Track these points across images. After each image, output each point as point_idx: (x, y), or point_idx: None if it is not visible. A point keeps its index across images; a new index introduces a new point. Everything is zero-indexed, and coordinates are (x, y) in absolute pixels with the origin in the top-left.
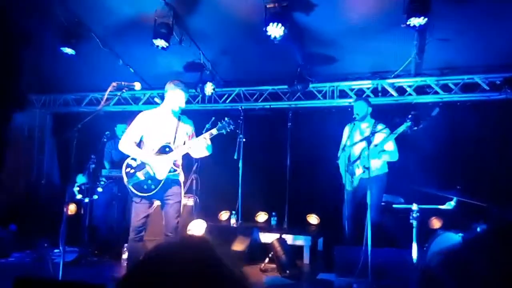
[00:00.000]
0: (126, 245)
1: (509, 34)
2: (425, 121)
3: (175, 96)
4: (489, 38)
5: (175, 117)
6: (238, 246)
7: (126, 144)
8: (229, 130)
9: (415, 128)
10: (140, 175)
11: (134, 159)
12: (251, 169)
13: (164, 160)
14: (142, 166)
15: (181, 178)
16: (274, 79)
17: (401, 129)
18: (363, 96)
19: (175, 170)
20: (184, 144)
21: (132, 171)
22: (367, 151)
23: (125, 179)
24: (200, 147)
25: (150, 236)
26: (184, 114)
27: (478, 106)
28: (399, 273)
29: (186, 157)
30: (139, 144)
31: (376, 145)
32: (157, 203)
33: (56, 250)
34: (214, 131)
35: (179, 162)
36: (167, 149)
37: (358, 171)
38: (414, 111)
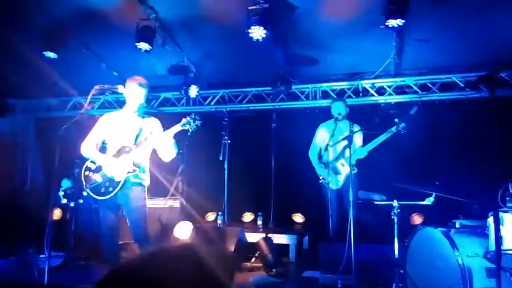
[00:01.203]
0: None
1: (486, 33)
2: (406, 121)
3: (132, 92)
4: (466, 37)
5: (139, 117)
6: (225, 246)
7: (85, 146)
8: (194, 126)
9: (403, 131)
10: (98, 178)
11: (93, 162)
12: (236, 170)
13: (123, 161)
14: (99, 168)
15: (145, 181)
16: (258, 80)
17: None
18: (344, 96)
19: (134, 171)
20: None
21: (91, 174)
22: (349, 150)
23: (84, 183)
24: (165, 146)
25: (126, 240)
26: (168, 116)
27: (456, 104)
28: (382, 268)
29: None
30: (104, 148)
31: (361, 146)
32: None
33: (41, 256)
34: (177, 127)
35: (144, 163)
36: (127, 149)
37: (344, 170)
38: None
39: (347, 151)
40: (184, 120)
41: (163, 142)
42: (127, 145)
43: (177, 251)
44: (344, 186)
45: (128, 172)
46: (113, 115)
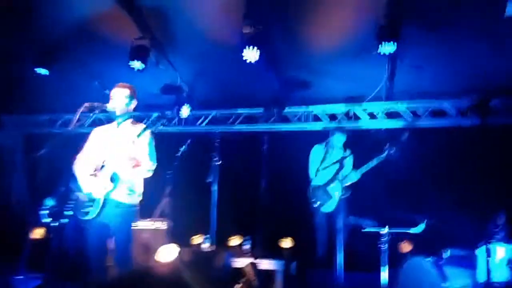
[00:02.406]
0: None
1: (478, 60)
2: (398, 147)
3: (114, 100)
4: (458, 64)
5: (123, 126)
6: (211, 271)
7: (75, 164)
8: (160, 127)
9: (394, 155)
10: (83, 197)
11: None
12: (225, 192)
13: (101, 177)
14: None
15: (132, 199)
16: (251, 102)
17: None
18: (336, 120)
19: (109, 186)
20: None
21: (77, 193)
22: (340, 174)
23: (71, 203)
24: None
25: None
26: (159, 135)
27: (447, 131)
28: None
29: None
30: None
31: (353, 169)
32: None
33: (19, 277)
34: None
35: (125, 178)
36: (104, 163)
37: (337, 194)
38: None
39: (339, 175)
40: (147, 122)
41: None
42: (106, 158)
43: (158, 274)
44: (336, 210)
45: (105, 188)
46: (102, 129)
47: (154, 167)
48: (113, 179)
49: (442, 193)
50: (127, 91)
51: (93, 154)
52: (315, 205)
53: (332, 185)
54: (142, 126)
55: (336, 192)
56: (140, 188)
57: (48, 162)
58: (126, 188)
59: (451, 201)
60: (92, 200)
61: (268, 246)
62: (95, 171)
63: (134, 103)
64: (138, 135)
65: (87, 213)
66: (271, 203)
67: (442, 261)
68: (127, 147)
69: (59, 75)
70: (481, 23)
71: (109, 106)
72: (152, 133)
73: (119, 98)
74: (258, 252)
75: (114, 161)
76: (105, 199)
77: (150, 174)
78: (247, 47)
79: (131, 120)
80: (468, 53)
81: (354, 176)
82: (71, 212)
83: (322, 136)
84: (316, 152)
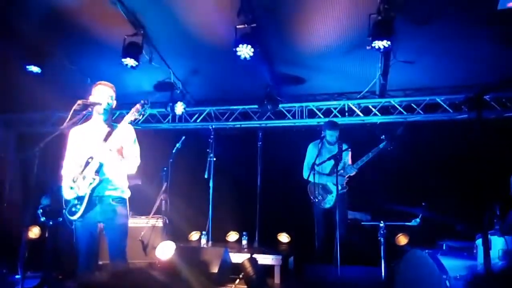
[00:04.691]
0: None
1: (470, 55)
2: (394, 141)
3: (95, 95)
4: (450, 59)
5: (106, 124)
6: (209, 267)
7: (63, 167)
8: (143, 112)
9: (390, 147)
10: (71, 196)
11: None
12: (221, 188)
13: (86, 173)
14: (72, 187)
15: (124, 194)
16: (245, 98)
17: (377, 149)
18: (331, 116)
19: (94, 180)
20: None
21: (66, 194)
22: (337, 169)
23: (63, 206)
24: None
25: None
26: (156, 133)
27: (440, 125)
28: None
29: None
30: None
31: (350, 164)
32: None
33: (17, 276)
34: (129, 117)
35: (111, 172)
36: (90, 160)
37: (335, 188)
38: (385, 131)
39: (335, 170)
40: (133, 109)
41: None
42: (90, 155)
43: (150, 272)
44: (334, 205)
45: (90, 184)
46: (81, 128)
47: (139, 160)
48: (98, 171)
49: (439, 185)
50: (111, 91)
51: (77, 154)
52: (314, 201)
53: (329, 180)
54: (125, 121)
55: (333, 187)
56: (126, 183)
57: (41, 161)
58: (113, 183)
59: (447, 193)
60: (78, 198)
61: (265, 241)
62: (83, 168)
63: (115, 103)
64: (124, 130)
65: (74, 212)
66: (267, 198)
67: (440, 253)
68: (113, 142)
69: (50, 73)
70: (474, 17)
71: (100, 106)
72: (137, 122)
73: (104, 96)
74: (255, 247)
75: (100, 156)
76: (93, 195)
77: (136, 166)
78: (241, 44)
79: (112, 116)
80: (461, 46)
81: (351, 170)
82: (64, 214)
83: (316, 132)
84: (311, 150)
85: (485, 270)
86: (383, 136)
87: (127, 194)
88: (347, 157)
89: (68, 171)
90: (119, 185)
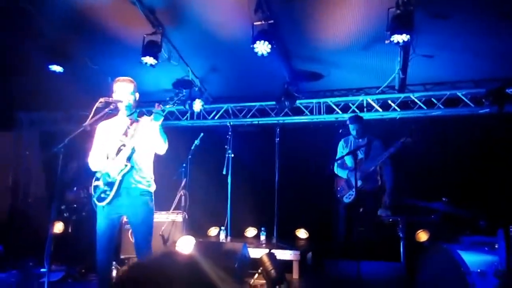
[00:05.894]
0: (114, 263)
1: (492, 48)
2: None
3: (117, 92)
4: (471, 53)
5: (132, 118)
6: (228, 262)
7: (91, 160)
8: (178, 101)
9: (411, 142)
10: (100, 184)
11: (100, 171)
12: (240, 184)
13: (117, 159)
14: (103, 175)
15: (151, 187)
16: (262, 95)
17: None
18: (349, 111)
19: (126, 166)
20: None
21: (96, 182)
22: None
23: (93, 193)
24: (152, 131)
25: (127, 254)
26: (175, 130)
27: (462, 120)
28: (391, 286)
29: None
30: None
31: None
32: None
33: (42, 269)
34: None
35: (141, 162)
36: (122, 147)
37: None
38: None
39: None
40: (168, 98)
41: (148, 128)
42: (122, 143)
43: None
44: (356, 200)
45: (121, 170)
46: (107, 122)
47: (166, 146)
48: (130, 158)
49: (459, 180)
50: (131, 86)
51: (104, 147)
52: (338, 195)
53: (352, 174)
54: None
55: (355, 182)
56: (152, 175)
57: (65, 158)
58: (142, 174)
59: (468, 188)
60: (108, 184)
61: (283, 236)
62: (113, 159)
63: (137, 95)
64: (146, 121)
65: (103, 198)
66: (285, 194)
67: (461, 248)
68: (140, 134)
69: (72, 72)
70: (495, 10)
71: (123, 103)
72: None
73: (124, 93)
74: (274, 242)
75: (130, 147)
76: (122, 183)
77: (164, 146)
78: (258, 40)
79: (136, 110)
80: (482, 40)
81: (368, 166)
82: (93, 203)
83: (334, 128)
84: (341, 144)
85: (507, 266)
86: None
87: (153, 188)
88: (381, 151)
89: (96, 161)
90: (148, 177)
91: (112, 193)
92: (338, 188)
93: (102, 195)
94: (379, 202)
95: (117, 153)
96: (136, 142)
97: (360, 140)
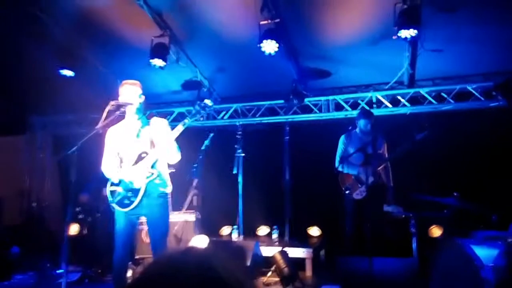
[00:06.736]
0: (130, 263)
1: (502, 40)
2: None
3: (124, 95)
4: (481, 46)
5: (142, 121)
6: (241, 260)
7: (103, 167)
8: (204, 114)
9: (420, 141)
10: (119, 189)
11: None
12: (251, 183)
13: (140, 167)
14: (121, 181)
15: (168, 188)
16: (271, 94)
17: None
18: (358, 108)
19: (152, 174)
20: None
21: (114, 187)
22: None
23: (110, 198)
24: (169, 146)
25: (142, 254)
26: (185, 131)
27: (472, 114)
28: (404, 282)
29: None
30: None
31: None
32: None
33: (59, 270)
34: (186, 120)
35: (161, 168)
36: (143, 155)
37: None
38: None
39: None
40: (193, 111)
41: (170, 142)
42: (143, 150)
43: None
44: (367, 197)
45: (147, 178)
46: (117, 127)
47: (179, 157)
48: (153, 165)
49: (471, 175)
50: (138, 89)
51: (115, 153)
52: (346, 192)
53: (361, 171)
54: (160, 118)
55: (365, 178)
56: (169, 177)
57: (78, 161)
58: (161, 177)
59: (480, 182)
60: (131, 190)
61: (296, 234)
62: (133, 164)
63: (143, 98)
64: (158, 124)
65: (127, 204)
66: (296, 192)
67: (473, 242)
68: (158, 137)
69: (83, 76)
70: (503, 2)
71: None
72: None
73: (133, 96)
74: (286, 240)
75: (154, 156)
76: (146, 188)
77: (176, 156)
78: (265, 39)
79: (145, 113)
80: (491, 32)
81: (377, 163)
82: (112, 208)
83: (343, 125)
84: (343, 140)
85: None
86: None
87: (169, 189)
88: (383, 148)
89: (110, 167)
90: (165, 179)
91: (137, 200)
92: (347, 185)
93: (126, 201)
94: (383, 197)
95: (138, 160)
96: (160, 152)
97: (364, 135)
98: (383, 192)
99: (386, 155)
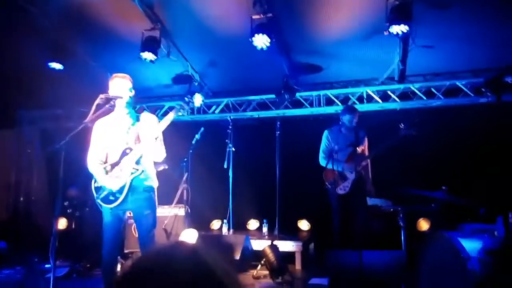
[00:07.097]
0: (119, 257)
1: (492, 38)
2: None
3: (114, 89)
4: (471, 43)
5: (131, 115)
6: (231, 254)
7: (88, 161)
8: (188, 110)
9: (407, 136)
10: (108, 185)
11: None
12: (241, 177)
13: (124, 163)
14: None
15: (154, 183)
16: (262, 88)
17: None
18: (349, 103)
19: (137, 170)
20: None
21: (99, 184)
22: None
23: (95, 195)
24: (157, 140)
25: (131, 248)
26: (175, 125)
27: (462, 109)
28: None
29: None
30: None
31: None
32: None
33: (47, 265)
34: (171, 115)
35: (146, 163)
36: (127, 151)
37: (352, 176)
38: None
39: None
40: (177, 107)
41: (157, 139)
42: (127, 146)
43: (188, 249)
44: (351, 192)
45: (132, 174)
46: (105, 120)
47: (164, 154)
48: (138, 162)
49: (459, 169)
50: (128, 83)
51: (101, 146)
52: (329, 187)
53: (346, 167)
54: (150, 114)
55: (350, 174)
56: (155, 172)
57: (66, 155)
58: (146, 173)
59: (468, 177)
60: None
61: (286, 228)
62: (118, 159)
63: (133, 92)
64: (147, 120)
65: (113, 200)
66: (287, 186)
67: (461, 235)
68: (144, 132)
69: (72, 70)
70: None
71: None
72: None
73: (123, 89)
74: (276, 234)
75: (138, 152)
76: (131, 184)
77: (163, 153)
78: (257, 34)
79: (135, 107)
80: (482, 29)
81: (362, 159)
82: (98, 204)
83: (334, 120)
84: (326, 136)
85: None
86: (402, 125)
87: (156, 184)
88: (365, 144)
89: (95, 161)
90: (150, 175)
91: (122, 196)
92: (330, 180)
93: (111, 198)
94: (365, 189)
95: (122, 156)
96: (145, 148)
97: (348, 131)
98: (364, 184)
99: (367, 152)
